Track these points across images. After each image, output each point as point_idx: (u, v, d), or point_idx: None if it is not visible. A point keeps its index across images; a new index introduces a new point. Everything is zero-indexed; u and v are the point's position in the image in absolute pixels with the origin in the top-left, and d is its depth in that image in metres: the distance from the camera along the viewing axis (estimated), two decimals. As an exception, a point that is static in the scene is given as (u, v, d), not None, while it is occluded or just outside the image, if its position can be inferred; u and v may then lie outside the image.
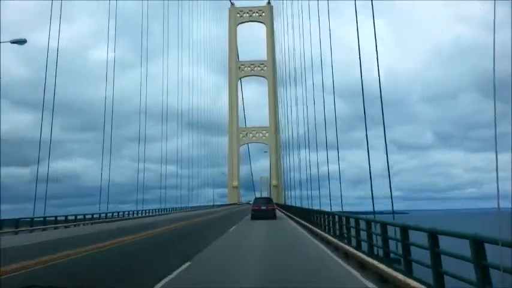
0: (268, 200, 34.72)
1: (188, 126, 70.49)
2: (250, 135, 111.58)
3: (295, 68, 44.01)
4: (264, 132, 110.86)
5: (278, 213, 40.93)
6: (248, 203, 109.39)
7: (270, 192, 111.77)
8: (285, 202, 68.20)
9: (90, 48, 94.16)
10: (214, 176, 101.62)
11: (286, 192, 70.87)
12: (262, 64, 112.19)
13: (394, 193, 15.11)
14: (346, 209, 20.94)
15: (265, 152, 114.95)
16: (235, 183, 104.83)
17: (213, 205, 75.73)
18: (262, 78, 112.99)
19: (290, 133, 50.71)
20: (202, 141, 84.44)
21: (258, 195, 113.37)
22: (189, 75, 71.02)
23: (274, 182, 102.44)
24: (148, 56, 46.69)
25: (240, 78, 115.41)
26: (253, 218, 29.95)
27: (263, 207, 31.04)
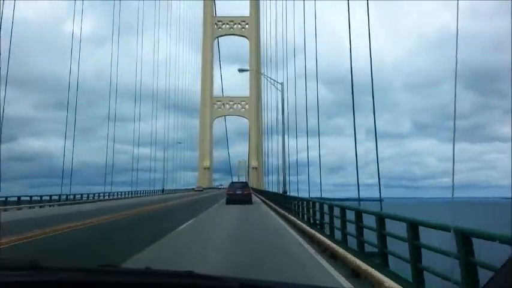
0: (244, 185, 38.63)
1: (163, 106, 78.02)
2: (227, 106, 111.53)
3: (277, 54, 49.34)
4: (243, 103, 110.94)
5: (255, 199, 44.58)
6: (218, 188, 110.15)
7: (248, 176, 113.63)
8: (266, 188, 69.36)
9: (64, 21, 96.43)
10: (190, 158, 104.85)
11: (266, 178, 72.69)
12: (243, 21, 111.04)
13: (370, 181, 17.51)
14: (324, 195, 23.02)
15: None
16: (207, 164, 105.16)
17: (163, 190, 72.28)
18: (243, 38, 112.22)
19: (270, 115, 54.90)
20: (178, 123, 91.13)
21: (235, 179, 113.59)
22: (155, 42, 71.26)
23: (254, 163, 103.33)
24: (120, 31, 50.58)
25: (217, 38, 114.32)
26: (228, 202, 33.84)
27: (238, 192, 34.93)
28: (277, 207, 26.19)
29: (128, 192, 52.22)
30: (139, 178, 61.69)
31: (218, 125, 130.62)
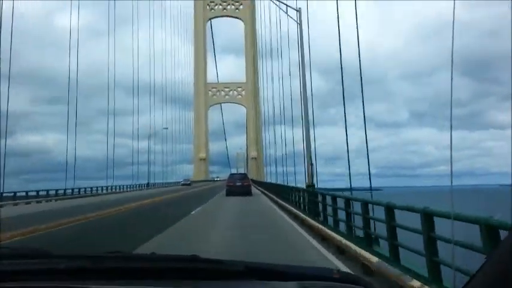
0: (243, 176, 40.61)
1: (156, 98, 79.69)
2: (223, 93, 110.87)
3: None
4: (239, 89, 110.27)
5: (255, 191, 44.76)
6: (214, 180, 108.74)
7: (247, 167, 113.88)
8: (266, 179, 69.32)
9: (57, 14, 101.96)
10: (186, 151, 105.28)
11: (266, 168, 72.87)
12: (237, 1, 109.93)
13: (366, 170, 17.87)
14: (323, 185, 24.11)
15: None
16: (203, 155, 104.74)
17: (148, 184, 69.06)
18: (238, 20, 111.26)
19: (269, 104, 56.93)
20: (172, 115, 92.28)
21: (234, 171, 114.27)
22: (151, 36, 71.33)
23: (253, 154, 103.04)
24: (116, 24, 55.55)
25: (210, 19, 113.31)
26: (228, 194, 35.08)
27: (238, 183, 36.42)
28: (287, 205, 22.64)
29: (98, 188, 48.09)
30: (133, 171, 63.33)
31: (214, 116, 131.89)
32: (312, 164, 20.05)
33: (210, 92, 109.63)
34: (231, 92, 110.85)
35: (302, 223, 15.85)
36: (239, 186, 35.75)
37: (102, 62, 53.75)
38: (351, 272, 4.46)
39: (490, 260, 1.05)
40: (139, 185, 64.86)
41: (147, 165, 71.57)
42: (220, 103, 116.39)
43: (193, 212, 20.96)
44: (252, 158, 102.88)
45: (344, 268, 7.96)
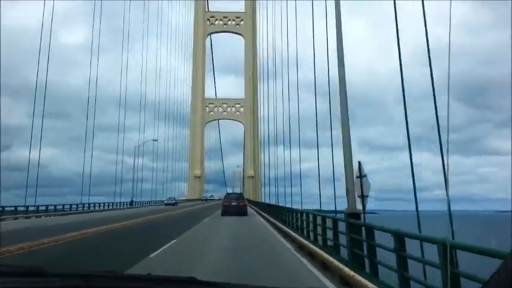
0: (239, 196, 40.84)
1: (153, 115, 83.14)
2: (220, 109, 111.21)
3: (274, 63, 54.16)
4: (237, 106, 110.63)
5: (251, 211, 44.64)
6: (206, 199, 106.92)
7: (243, 186, 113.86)
8: (262, 199, 69.19)
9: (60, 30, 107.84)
10: (182, 169, 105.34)
11: (264, 189, 72.79)
12: (237, 17, 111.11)
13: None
14: (316, 207, 25.02)
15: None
16: (198, 172, 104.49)
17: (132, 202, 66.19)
18: (238, 36, 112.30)
19: (267, 123, 60.11)
20: (169, 133, 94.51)
21: (230, 191, 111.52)
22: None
23: (250, 173, 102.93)
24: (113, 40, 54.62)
25: (210, 34, 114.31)
26: (224, 213, 35.37)
27: (234, 203, 36.60)
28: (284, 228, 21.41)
29: (77, 205, 46.20)
30: (120, 188, 62.52)
31: (212, 134, 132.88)
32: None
33: (207, 107, 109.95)
34: (229, 109, 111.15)
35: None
36: (235, 206, 36.11)
37: (94, 79, 54.29)
38: None
39: (495, 277, 1.09)
40: (120, 203, 61.04)
41: (138, 182, 70.94)
42: (218, 119, 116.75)
43: (153, 255, 13.18)
44: (249, 176, 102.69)
45: None
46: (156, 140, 77.97)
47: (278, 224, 24.49)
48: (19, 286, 1.60)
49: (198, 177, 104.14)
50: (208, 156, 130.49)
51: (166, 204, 68.85)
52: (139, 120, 72.13)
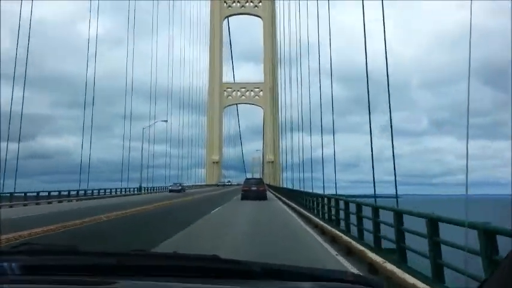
0: (258, 181, 44.01)
1: (174, 104, 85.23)
2: (239, 93, 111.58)
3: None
4: (256, 90, 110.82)
5: (270, 196, 45.16)
6: (223, 185, 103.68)
7: (263, 171, 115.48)
8: (283, 184, 69.42)
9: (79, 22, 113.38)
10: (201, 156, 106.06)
11: (284, 174, 72.50)
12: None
13: (388, 177, 18.76)
14: (341, 192, 24.31)
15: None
16: (216, 157, 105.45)
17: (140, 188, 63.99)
18: (256, 19, 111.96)
19: (287, 110, 59.20)
20: (187, 120, 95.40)
21: (249, 176, 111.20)
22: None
23: (269, 157, 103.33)
24: (135, 33, 60.56)
25: (227, 17, 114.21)
26: (243, 198, 37.48)
27: (253, 188, 38.92)
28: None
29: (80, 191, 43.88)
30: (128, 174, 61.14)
31: (231, 121, 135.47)
32: None
33: (225, 92, 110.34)
34: (247, 93, 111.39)
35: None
36: (254, 191, 38.22)
37: (116, 69, 56.85)
38: (363, 274, 4.51)
39: (501, 267, 1.13)
40: (125, 189, 58.15)
41: (150, 168, 70.42)
42: (236, 104, 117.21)
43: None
44: (268, 161, 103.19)
45: None
46: (166, 121, 74.58)
47: (302, 210, 23.87)
48: (55, 264, 1.75)
49: (216, 162, 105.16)
50: (227, 142, 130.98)
51: (170, 191, 64.66)
52: (153, 107, 72.54)
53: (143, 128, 63.04)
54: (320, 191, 26.77)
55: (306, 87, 40.82)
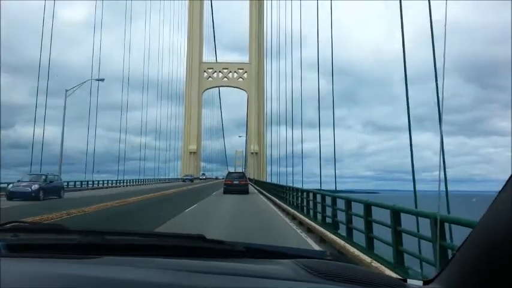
0: (241, 175, 45.85)
1: (154, 92, 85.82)
2: (220, 74, 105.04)
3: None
4: (240, 71, 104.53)
5: (253, 190, 47.17)
6: (191, 179, 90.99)
7: (245, 164, 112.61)
8: (268, 179, 64.44)
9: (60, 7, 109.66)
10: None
11: (270, 168, 68.41)
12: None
13: (366, 173, 28.53)
14: (322, 187, 26.05)
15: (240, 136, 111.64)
16: (193, 147, 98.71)
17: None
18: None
19: (274, 95, 61.42)
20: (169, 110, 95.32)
21: (232, 170, 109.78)
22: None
23: (253, 148, 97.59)
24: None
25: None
26: (226, 192, 40.09)
27: (235, 182, 41.64)
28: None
29: None
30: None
31: (214, 114, 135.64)
32: None
33: (205, 73, 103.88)
34: (230, 74, 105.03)
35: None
36: (236, 185, 40.96)
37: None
38: (345, 255, 6.06)
39: (459, 253, 1.31)
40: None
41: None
42: (218, 86, 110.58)
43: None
44: (252, 152, 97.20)
45: None
46: (102, 80, 53.11)
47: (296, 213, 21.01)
48: (42, 243, 1.89)
49: (194, 152, 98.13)
50: (208, 135, 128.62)
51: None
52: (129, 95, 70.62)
53: (66, 91, 49.06)
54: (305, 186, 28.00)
55: (296, 78, 42.47)
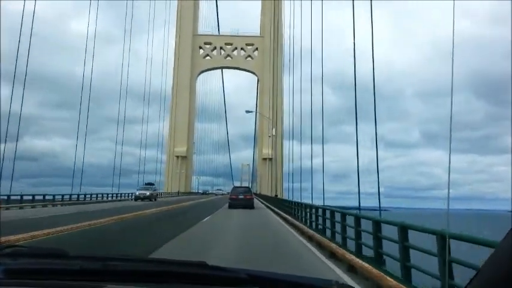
0: (246, 190, 51.46)
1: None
2: (222, 52, 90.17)
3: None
4: (249, 48, 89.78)
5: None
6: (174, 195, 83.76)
7: (252, 178, 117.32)
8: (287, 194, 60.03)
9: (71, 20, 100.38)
10: None
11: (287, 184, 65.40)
12: None
13: (372, 190, 26.60)
14: (329, 203, 33.55)
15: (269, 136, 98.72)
16: (182, 150, 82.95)
17: None
18: None
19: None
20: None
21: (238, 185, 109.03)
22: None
23: (266, 152, 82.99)
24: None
25: None
26: (231, 206, 45.14)
27: (241, 197, 46.97)
28: None
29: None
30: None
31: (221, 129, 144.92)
32: None
33: (201, 49, 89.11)
34: (235, 52, 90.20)
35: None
36: (242, 199, 45.66)
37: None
38: (348, 284, 3.97)
39: (487, 265, 1.41)
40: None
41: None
42: (219, 68, 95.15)
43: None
44: (265, 158, 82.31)
45: None
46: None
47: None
48: (40, 267, 2.08)
49: (183, 157, 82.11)
50: (214, 149, 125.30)
51: None
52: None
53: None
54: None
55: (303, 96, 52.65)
